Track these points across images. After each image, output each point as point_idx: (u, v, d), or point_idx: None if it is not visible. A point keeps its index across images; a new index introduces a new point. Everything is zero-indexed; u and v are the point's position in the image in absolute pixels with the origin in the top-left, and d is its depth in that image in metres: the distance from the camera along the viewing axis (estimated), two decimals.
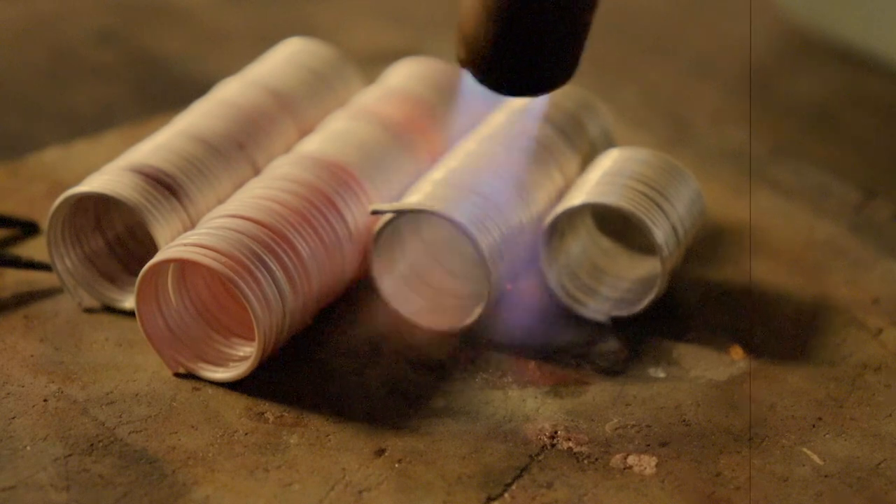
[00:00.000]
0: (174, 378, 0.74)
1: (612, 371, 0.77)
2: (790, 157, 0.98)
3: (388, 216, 0.78)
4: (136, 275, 0.73)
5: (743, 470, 0.71)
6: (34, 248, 0.83)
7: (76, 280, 0.79)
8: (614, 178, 0.80)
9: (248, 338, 0.75)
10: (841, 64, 1.16)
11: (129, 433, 0.71)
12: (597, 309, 0.80)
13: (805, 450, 0.72)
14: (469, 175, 0.79)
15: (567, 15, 0.69)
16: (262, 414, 0.72)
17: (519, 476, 0.70)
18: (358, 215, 0.78)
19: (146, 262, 0.73)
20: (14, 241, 0.84)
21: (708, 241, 0.88)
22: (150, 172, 0.78)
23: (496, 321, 0.79)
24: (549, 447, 0.71)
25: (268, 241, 0.73)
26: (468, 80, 0.73)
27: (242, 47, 1.10)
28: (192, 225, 0.78)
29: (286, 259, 0.73)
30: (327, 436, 0.71)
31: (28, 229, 0.84)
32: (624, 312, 0.80)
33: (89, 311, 0.79)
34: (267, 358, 0.74)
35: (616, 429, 0.73)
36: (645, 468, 0.70)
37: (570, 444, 0.72)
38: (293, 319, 0.74)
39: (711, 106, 1.09)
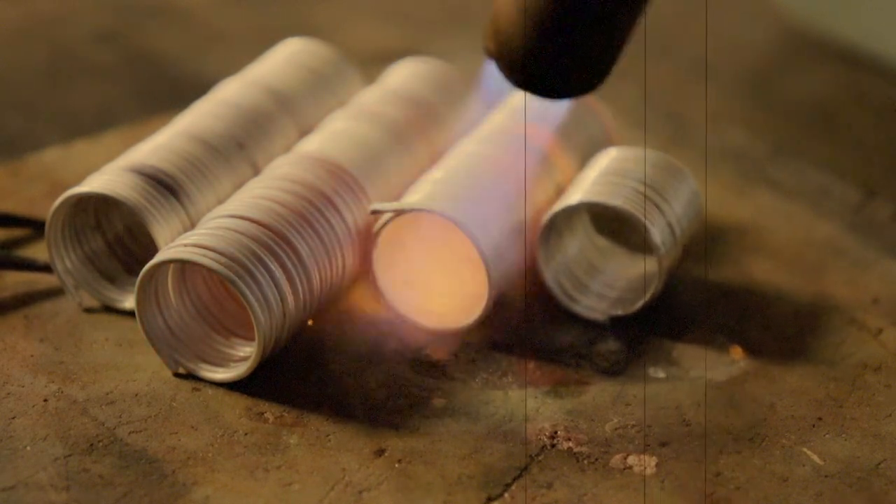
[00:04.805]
0: (174, 378, 0.74)
1: (612, 371, 0.77)
2: (790, 157, 0.98)
3: (388, 216, 0.78)
4: (136, 275, 0.73)
5: (743, 470, 0.71)
6: (35, 249, 0.83)
7: (76, 280, 0.79)
8: (612, 178, 0.80)
9: (248, 338, 0.75)
10: (841, 64, 1.15)
11: (129, 433, 0.71)
12: (594, 308, 0.80)
13: (805, 450, 0.72)
14: (469, 175, 0.79)
15: (609, 23, 0.67)
16: (262, 414, 0.72)
17: (519, 476, 0.70)
18: (358, 215, 0.78)
19: (146, 262, 0.73)
20: (20, 242, 0.84)
21: (708, 241, 0.88)
22: (149, 172, 0.78)
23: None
24: (549, 447, 0.71)
25: (267, 242, 0.73)
26: (491, 72, 0.71)
27: (242, 47, 1.09)
28: (192, 225, 0.78)
29: (286, 259, 0.73)
30: (327, 436, 0.71)
31: (42, 230, 0.84)
32: (621, 311, 0.80)
33: (89, 311, 0.79)
34: (267, 358, 0.74)
35: (616, 429, 0.73)
36: (645, 468, 0.70)
37: (570, 444, 0.72)
38: (293, 320, 0.74)
39: (711, 106, 1.09)
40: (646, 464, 0.71)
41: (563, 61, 0.68)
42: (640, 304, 0.80)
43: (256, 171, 0.82)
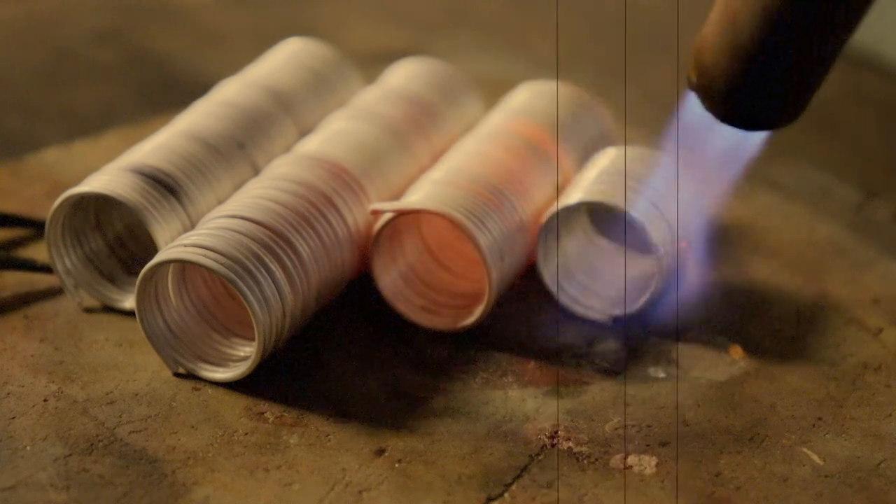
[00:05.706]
0: (174, 378, 0.74)
1: (612, 371, 0.77)
2: (790, 157, 0.98)
3: (387, 216, 0.78)
4: (136, 275, 0.73)
5: (743, 470, 0.71)
6: (35, 249, 0.83)
7: (76, 280, 0.79)
8: (611, 177, 0.80)
9: (248, 338, 0.75)
10: (841, 64, 1.15)
11: (129, 433, 0.71)
12: (593, 308, 0.80)
13: (805, 450, 0.72)
14: (468, 174, 0.79)
15: (820, 55, 0.67)
16: (262, 414, 0.72)
17: (519, 476, 0.70)
18: (358, 215, 0.78)
19: (146, 262, 0.73)
20: (20, 242, 0.84)
21: (708, 241, 0.88)
22: (149, 172, 0.78)
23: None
24: (549, 447, 0.71)
25: (267, 242, 0.73)
26: (692, 105, 0.70)
27: (242, 47, 1.10)
28: (192, 225, 0.78)
29: (286, 259, 0.73)
30: (327, 436, 0.71)
31: (42, 230, 0.84)
32: (621, 311, 0.80)
33: (89, 311, 0.79)
34: (267, 358, 0.74)
35: (616, 429, 0.73)
36: (645, 468, 0.70)
37: (570, 444, 0.72)
38: (293, 319, 0.74)
39: None
40: (646, 464, 0.71)
41: (768, 92, 0.68)
42: (639, 304, 0.80)
43: (256, 171, 0.82)
